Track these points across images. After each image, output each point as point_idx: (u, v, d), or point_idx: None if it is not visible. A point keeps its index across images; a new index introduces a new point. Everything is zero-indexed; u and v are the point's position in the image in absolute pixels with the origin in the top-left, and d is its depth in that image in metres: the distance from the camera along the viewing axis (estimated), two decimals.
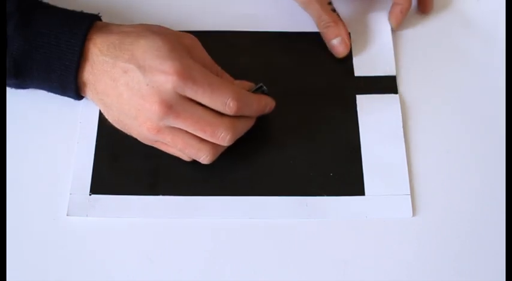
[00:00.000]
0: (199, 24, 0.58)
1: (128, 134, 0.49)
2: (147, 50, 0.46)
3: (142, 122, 0.47)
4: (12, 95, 0.52)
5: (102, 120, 0.52)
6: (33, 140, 0.52)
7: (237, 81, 0.51)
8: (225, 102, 0.46)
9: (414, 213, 0.50)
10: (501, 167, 0.52)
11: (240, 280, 0.47)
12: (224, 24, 0.58)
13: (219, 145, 0.48)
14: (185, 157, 0.50)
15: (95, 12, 0.50)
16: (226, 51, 0.55)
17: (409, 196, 0.50)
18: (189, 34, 0.50)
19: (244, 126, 0.50)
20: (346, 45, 0.56)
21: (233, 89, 0.47)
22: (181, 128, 0.47)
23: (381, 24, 0.58)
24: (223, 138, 0.47)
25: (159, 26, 0.49)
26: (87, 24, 0.48)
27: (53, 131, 0.52)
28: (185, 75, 0.45)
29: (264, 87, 0.51)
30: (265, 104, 0.51)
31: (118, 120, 0.49)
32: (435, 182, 0.51)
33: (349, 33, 0.57)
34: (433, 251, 0.49)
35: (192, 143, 0.48)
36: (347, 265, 0.48)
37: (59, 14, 0.49)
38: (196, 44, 0.49)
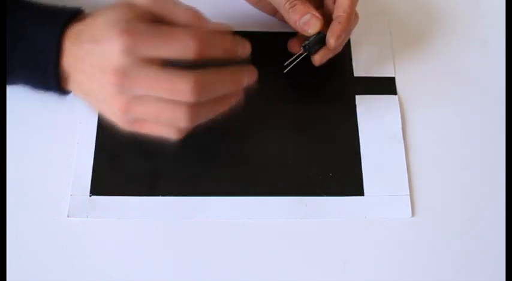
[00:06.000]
0: None
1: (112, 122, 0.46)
2: (101, 24, 0.44)
3: (110, 102, 0.44)
4: (12, 95, 0.52)
5: (102, 121, 0.52)
6: (33, 141, 0.52)
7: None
8: (184, 45, 0.42)
9: (413, 213, 0.50)
10: (501, 167, 0.52)
11: (240, 280, 0.47)
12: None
13: (189, 104, 0.43)
14: (170, 132, 0.46)
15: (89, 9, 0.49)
16: None
17: (408, 196, 0.50)
18: None
19: (216, 79, 0.44)
20: (317, 18, 0.50)
21: (189, 30, 0.43)
22: (143, 93, 0.43)
23: (380, 26, 0.58)
24: (185, 90, 0.42)
25: None
26: (66, 19, 0.46)
27: (52, 132, 0.52)
28: (131, 32, 0.42)
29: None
30: (232, 41, 0.45)
31: (99, 109, 0.47)
32: (434, 182, 0.51)
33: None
34: (432, 252, 0.49)
35: (163, 106, 0.43)
36: (346, 265, 0.48)
37: (41, 10, 0.47)
38: None
